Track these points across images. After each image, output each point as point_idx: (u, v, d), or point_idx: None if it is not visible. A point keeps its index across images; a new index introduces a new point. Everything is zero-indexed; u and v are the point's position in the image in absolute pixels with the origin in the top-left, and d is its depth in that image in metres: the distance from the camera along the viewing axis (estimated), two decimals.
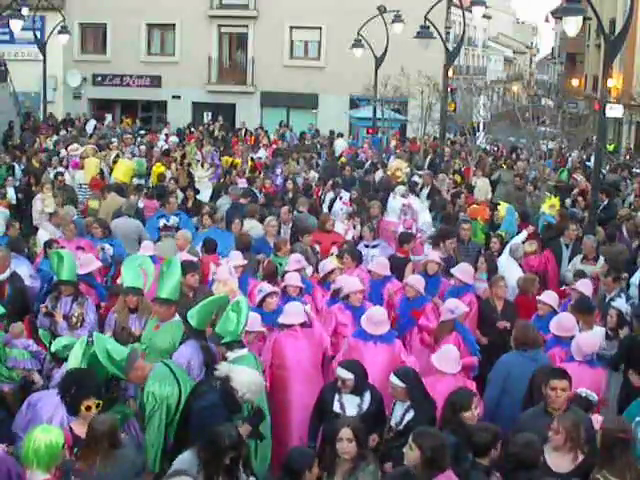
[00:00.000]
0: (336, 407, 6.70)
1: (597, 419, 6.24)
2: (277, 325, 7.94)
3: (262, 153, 23.51)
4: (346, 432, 5.70)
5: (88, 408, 5.97)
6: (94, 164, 16.93)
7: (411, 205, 13.52)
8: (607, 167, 23.34)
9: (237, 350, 6.97)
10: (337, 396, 6.74)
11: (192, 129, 30.79)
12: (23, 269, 9.78)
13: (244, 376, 6.27)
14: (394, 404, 6.78)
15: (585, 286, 9.26)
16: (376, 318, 7.76)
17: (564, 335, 7.82)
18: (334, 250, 11.20)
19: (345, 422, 5.89)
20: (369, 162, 21.43)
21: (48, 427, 5.53)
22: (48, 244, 10.33)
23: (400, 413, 6.64)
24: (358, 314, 8.29)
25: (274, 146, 25.85)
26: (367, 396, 6.74)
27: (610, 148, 28.65)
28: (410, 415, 6.57)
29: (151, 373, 6.66)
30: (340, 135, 30.04)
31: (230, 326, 6.98)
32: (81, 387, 6.03)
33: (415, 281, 9.28)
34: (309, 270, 10.30)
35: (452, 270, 9.69)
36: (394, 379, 6.63)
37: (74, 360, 6.58)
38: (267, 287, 8.64)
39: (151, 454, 6.51)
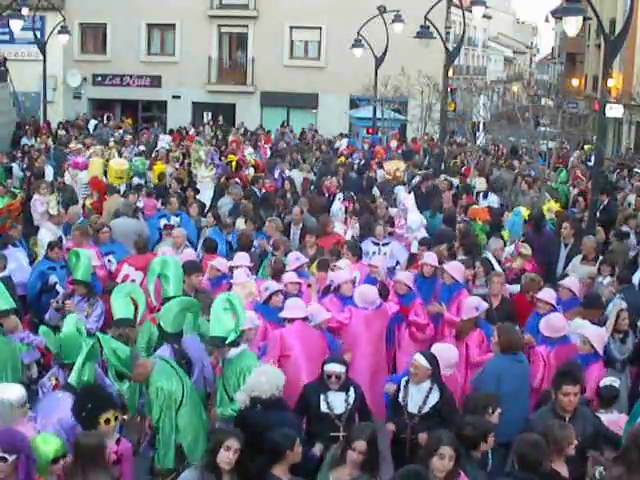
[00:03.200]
0: (323, 407, 6.70)
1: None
2: (281, 321, 8.05)
3: (251, 150, 23.38)
4: (361, 445, 5.64)
5: (107, 421, 5.90)
6: (99, 164, 16.81)
7: (404, 204, 13.56)
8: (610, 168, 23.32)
9: (236, 347, 6.97)
10: (323, 396, 6.73)
11: (192, 129, 30.75)
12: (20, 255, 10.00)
13: (265, 377, 6.35)
14: (404, 390, 6.79)
15: (573, 284, 9.13)
16: (368, 297, 8.49)
17: (554, 335, 7.85)
18: None
19: (360, 434, 5.76)
20: (361, 162, 21.33)
21: (49, 438, 5.51)
22: (50, 246, 10.35)
23: (421, 397, 6.70)
24: (349, 304, 8.58)
25: (266, 145, 25.82)
26: (351, 391, 6.81)
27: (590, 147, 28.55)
28: (434, 397, 6.67)
29: (155, 369, 6.66)
30: (345, 135, 30.05)
31: (229, 324, 6.92)
32: (97, 401, 5.97)
33: (405, 278, 9.34)
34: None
35: (444, 266, 9.70)
36: (422, 360, 6.73)
37: (76, 368, 6.57)
38: (273, 285, 8.68)
39: (169, 452, 6.53)
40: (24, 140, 24.23)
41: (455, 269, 9.58)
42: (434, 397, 6.70)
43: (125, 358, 6.60)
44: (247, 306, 8.69)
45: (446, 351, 7.33)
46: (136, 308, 7.91)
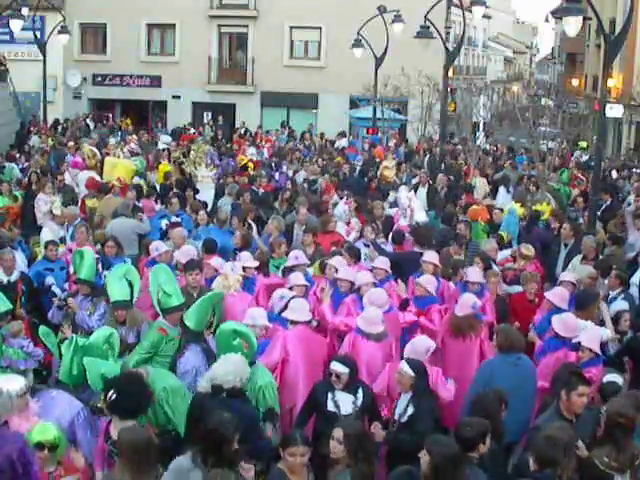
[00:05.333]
0: (330, 406, 6.70)
1: None
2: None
3: (253, 151, 23.41)
4: (338, 432, 5.71)
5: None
6: (111, 164, 16.63)
7: (411, 205, 13.53)
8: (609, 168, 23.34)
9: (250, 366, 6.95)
10: (330, 395, 6.74)
11: (189, 129, 30.74)
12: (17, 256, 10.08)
13: (224, 367, 6.28)
14: (399, 397, 6.80)
15: (558, 297, 8.84)
16: (371, 319, 7.88)
17: (569, 336, 7.78)
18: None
19: (341, 423, 5.92)
20: (362, 162, 21.30)
21: (45, 427, 5.51)
22: (45, 246, 10.36)
23: (404, 404, 6.68)
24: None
25: (267, 144, 25.79)
26: (360, 393, 6.77)
27: (583, 145, 28.54)
28: (412, 407, 6.60)
29: (152, 375, 6.67)
30: (343, 135, 30.08)
31: (252, 348, 6.91)
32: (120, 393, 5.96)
33: (426, 281, 9.28)
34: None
35: (467, 275, 9.65)
36: (405, 366, 6.67)
37: (65, 364, 6.57)
38: (287, 292, 8.66)
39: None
40: (33, 139, 24.21)
41: (476, 275, 9.56)
42: (412, 408, 6.62)
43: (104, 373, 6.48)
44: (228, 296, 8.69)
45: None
46: (132, 289, 7.99)
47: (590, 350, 7.48)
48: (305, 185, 17.24)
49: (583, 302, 8.85)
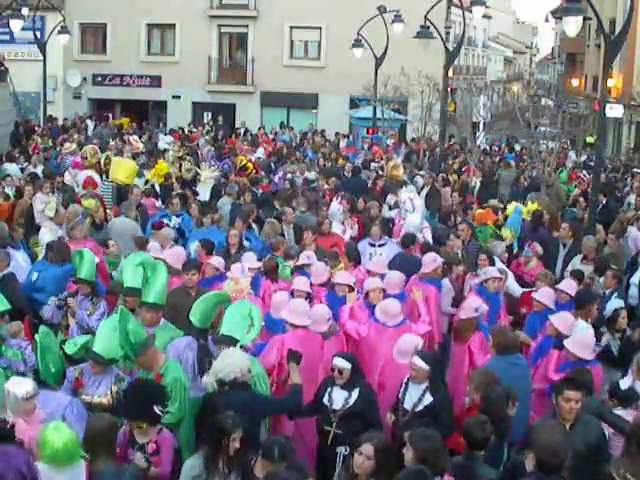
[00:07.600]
0: (325, 399, 6.78)
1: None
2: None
3: (261, 152, 23.44)
4: (367, 448, 5.42)
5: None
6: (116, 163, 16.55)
7: (413, 203, 13.54)
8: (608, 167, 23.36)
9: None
10: (329, 389, 6.82)
11: (193, 129, 30.75)
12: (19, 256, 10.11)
13: (222, 361, 6.34)
14: (405, 387, 6.84)
15: (546, 297, 8.92)
16: (391, 311, 8.07)
17: (567, 334, 7.76)
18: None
19: (369, 438, 5.54)
20: (361, 161, 21.26)
21: (60, 426, 5.45)
22: (49, 247, 10.34)
23: (417, 395, 6.73)
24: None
25: (265, 145, 25.79)
26: (355, 393, 6.75)
27: (591, 140, 28.55)
28: (429, 397, 6.67)
29: (168, 363, 6.70)
30: (345, 136, 30.07)
31: (243, 329, 6.98)
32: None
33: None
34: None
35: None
36: (418, 361, 6.73)
37: (41, 365, 6.79)
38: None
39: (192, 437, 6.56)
40: (35, 139, 24.16)
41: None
42: (429, 397, 6.70)
43: (135, 342, 6.56)
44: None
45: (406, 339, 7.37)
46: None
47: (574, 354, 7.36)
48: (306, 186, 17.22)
49: (582, 301, 8.88)
